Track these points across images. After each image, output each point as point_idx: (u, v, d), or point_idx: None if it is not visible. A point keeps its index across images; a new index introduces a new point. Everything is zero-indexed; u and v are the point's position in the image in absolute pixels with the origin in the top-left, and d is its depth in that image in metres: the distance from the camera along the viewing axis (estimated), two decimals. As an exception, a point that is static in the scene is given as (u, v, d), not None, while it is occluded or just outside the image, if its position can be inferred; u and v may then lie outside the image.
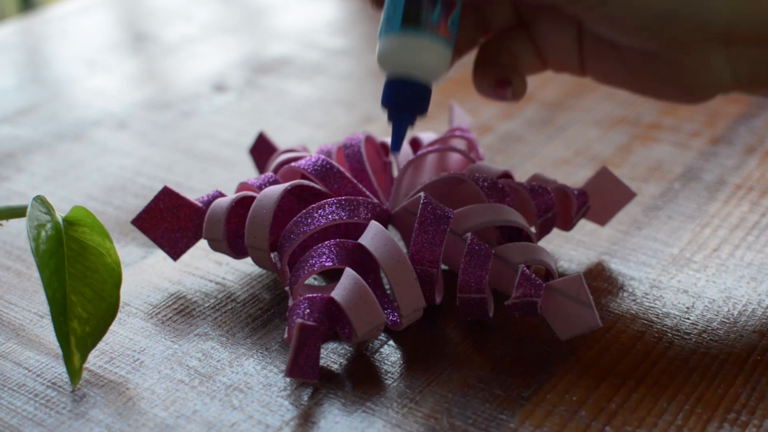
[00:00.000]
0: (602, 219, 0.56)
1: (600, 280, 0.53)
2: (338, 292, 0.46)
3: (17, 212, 0.52)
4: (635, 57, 0.50)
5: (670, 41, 0.48)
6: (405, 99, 0.48)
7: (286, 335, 0.46)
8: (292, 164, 0.53)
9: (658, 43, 0.48)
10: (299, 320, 0.44)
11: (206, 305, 0.52)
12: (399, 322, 0.47)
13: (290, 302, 0.48)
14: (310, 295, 0.46)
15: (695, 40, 0.48)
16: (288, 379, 0.46)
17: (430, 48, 0.48)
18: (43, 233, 0.46)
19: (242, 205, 0.52)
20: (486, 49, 0.54)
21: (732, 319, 0.50)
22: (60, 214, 0.48)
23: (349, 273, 0.46)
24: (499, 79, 0.52)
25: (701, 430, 0.43)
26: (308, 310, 0.45)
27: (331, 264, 0.47)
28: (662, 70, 0.50)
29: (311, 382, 0.46)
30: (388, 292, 0.50)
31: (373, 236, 0.48)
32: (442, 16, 0.47)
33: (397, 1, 0.48)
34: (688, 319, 0.50)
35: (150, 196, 0.57)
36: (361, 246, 0.48)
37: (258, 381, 0.46)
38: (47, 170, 0.68)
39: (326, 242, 0.48)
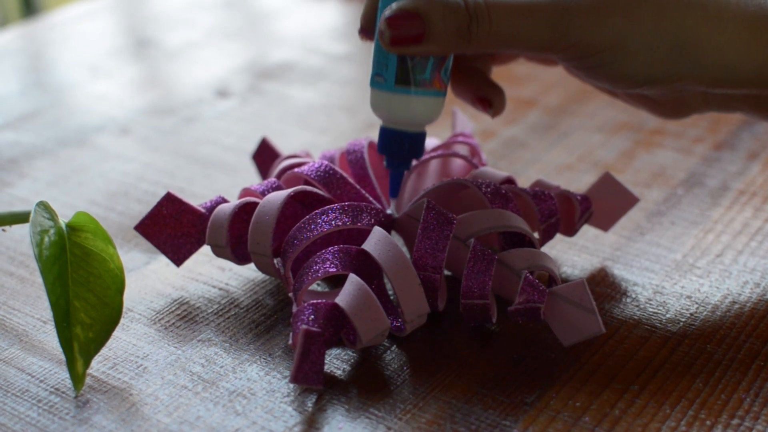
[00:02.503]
0: (605, 224, 0.56)
1: (603, 286, 0.53)
2: (342, 298, 0.46)
3: (20, 218, 0.52)
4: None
5: (657, 92, 0.50)
6: (401, 150, 0.50)
7: (290, 341, 0.46)
8: (295, 170, 0.53)
9: (646, 93, 0.51)
10: (304, 326, 0.44)
11: (209, 311, 0.52)
12: (403, 328, 0.47)
13: (294, 308, 0.48)
14: (315, 301, 0.46)
15: (681, 92, 0.50)
16: (292, 385, 0.46)
17: (424, 103, 0.49)
18: (46, 239, 0.46)
19: (245, 210, 0.52)
20: None
21: (735, 325, 0.50)
22: (63, 220, 0.48)
23: (353, 279, 0.46)
24: (480, 97, 0.53)
25: (705, 437, 0.43)
26: (312, 317, 0.45)
27: (334, 270, 0.47)
28: (639, 97, 0.53)
29: (315, 388, 0.45)
30: (392, 297, 0.50)
31: (377, 242, 0.48)
32: (435, 71, 0.48)
33: (389, 57, 0.48)
34: (692, 324, 0.50)
35: (153, 201, 0.57)
36: (364, 252, 0.48)
37: (261, 387, 0.46)
38: (50, 176, 0.68)
39: (330, 248, 0.48)
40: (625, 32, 0.46)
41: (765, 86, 0.49)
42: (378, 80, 0.49)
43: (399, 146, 0.50)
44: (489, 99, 0.53)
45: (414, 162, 0.52)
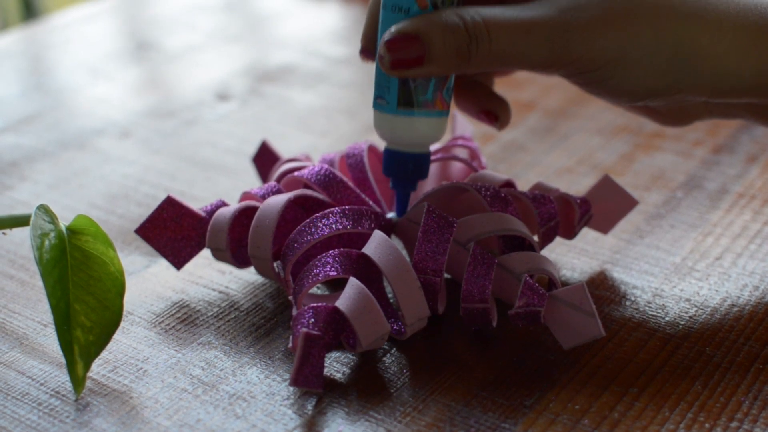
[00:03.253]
0: (605, 227, 0.56)
1: (602, 289, 0.53)
2: (343, 302, 0.46)
3: (21, 221, 0.52)
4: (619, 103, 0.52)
5: (659, 104, 0.50)
6: (406, 171, 0.50)
7: (290, 344, 0.46)
8: (295, 174, 0.53)
9: (648, 105, 0.51)
10: (304, 330, 0.45)
11: (209, 314, 0.52)
12: (403, 332, 0.47)
13: (294, 311, 0.48)
14: (315, 304, 0.46)
15: (682, 103, 0.50)
16: (291, 388, 0.46)
17: (428, 123, 0.49)
18: (46, 242, 0.46)
19: (245, 214, 0.52)
20: None
21: (734, 328, 0.50)
22: (63, 223, 0.48)
23: (353, 282, 0.46)
24: (485, 111, 0.53)
25: (704, 439, 0.43)
26: (313, 320, 0.45)
27: (335, 273, 0.47)
28: (641, 107, 0.53)
29: (315, 391, 0.46)
30: (392, 301, 0.50)
31: (377, 245, 0.48)
32: (437, 91, 0.48)
33: (391, 79, 0.48)
34: (691, 327, 0.50)
35: (153, 204, 0.57)
36: (365, 255, 0.48)
37: (261, 390, 0.46)
38: (50, 179, 0.68)
39: (330, 252, 0.48)
40: (624, 47, 0.46)
41: (766, 94, 0.49)
42: (380, 103, 0.49)
43: (404, 167, 0.50)
44: (494, 112, 0.53)
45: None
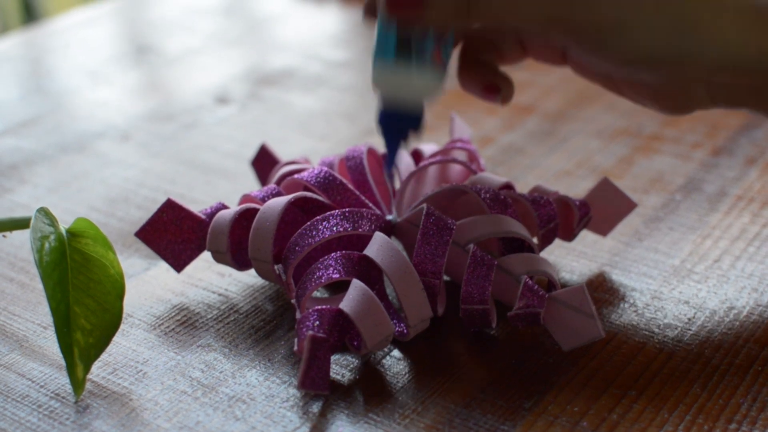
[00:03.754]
0: (603, 230, 0.56)
1: (601, 291, 0.53)
2: (347, 304, 0.46)
3: (21, 224, 0.52)
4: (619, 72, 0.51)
5: (658, 77, 0.49)
6: (398, 120, 0.49)
7: (296, 347, 0.46)
8: (295, 176, 0.53)
9: (646, 77, 0.50)
10: (310, 332, 0.45)
11: (209, 316, 0.52)
12: (406, 333, 0.48)
13: (298, 314, 0.48)
14: (319, 307, 0.46)
15: (682, 78, 0.49)
16: (291, 390, 0.46)
17: (423, 77, 0.48)
18: (46, 245, 0.46)
19: (246, 217, 0.52)
20: (469, 43, 0.54)
21: (733, 330, 0.50)
22: (63, 226, 0.48)
23: (357, 284, 0.46)
24: (487, 85, 0.52)
25: (703, 441, 0.43)
26: (318, 322, 0.45)
27: (338, 276, 0.47)
28: (642, 88, 0.52)
29: (322, 393, 0.46)
30: (393, 302, 0.50)
31: (379, 247, 0.48)
32: (435, 47, 0.48)
33: (389, 31, 0.48)
34: (690, 330, 0.50)
35: (153, 207, 0.57)
36: (366, 257, 0.48)
37: (261, 392, 0.46)
38: (50, 182, 0.68)
39: (332, 254, 0.48)
40: (626, 11, 0.46)
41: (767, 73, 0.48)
42: (378, 57, 0.49)
43: (396, 116, 0.49)
44: (497, 85, 0.53)
45: (413, 142, 0.51)
